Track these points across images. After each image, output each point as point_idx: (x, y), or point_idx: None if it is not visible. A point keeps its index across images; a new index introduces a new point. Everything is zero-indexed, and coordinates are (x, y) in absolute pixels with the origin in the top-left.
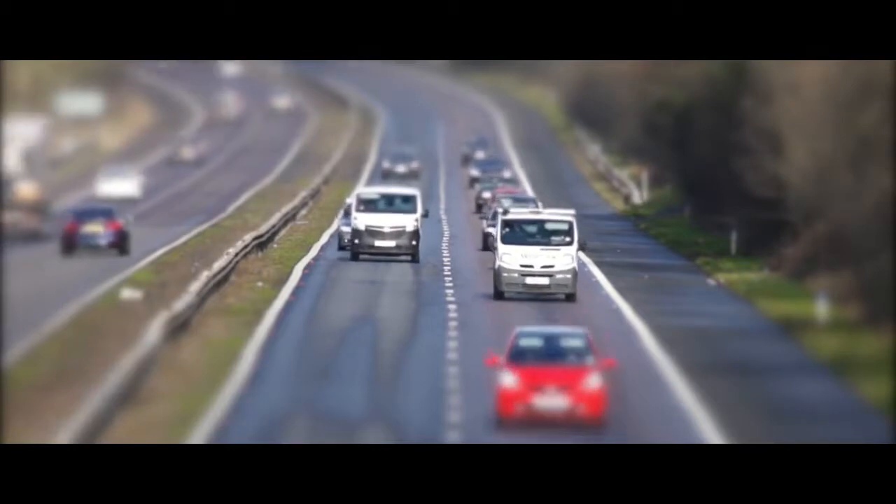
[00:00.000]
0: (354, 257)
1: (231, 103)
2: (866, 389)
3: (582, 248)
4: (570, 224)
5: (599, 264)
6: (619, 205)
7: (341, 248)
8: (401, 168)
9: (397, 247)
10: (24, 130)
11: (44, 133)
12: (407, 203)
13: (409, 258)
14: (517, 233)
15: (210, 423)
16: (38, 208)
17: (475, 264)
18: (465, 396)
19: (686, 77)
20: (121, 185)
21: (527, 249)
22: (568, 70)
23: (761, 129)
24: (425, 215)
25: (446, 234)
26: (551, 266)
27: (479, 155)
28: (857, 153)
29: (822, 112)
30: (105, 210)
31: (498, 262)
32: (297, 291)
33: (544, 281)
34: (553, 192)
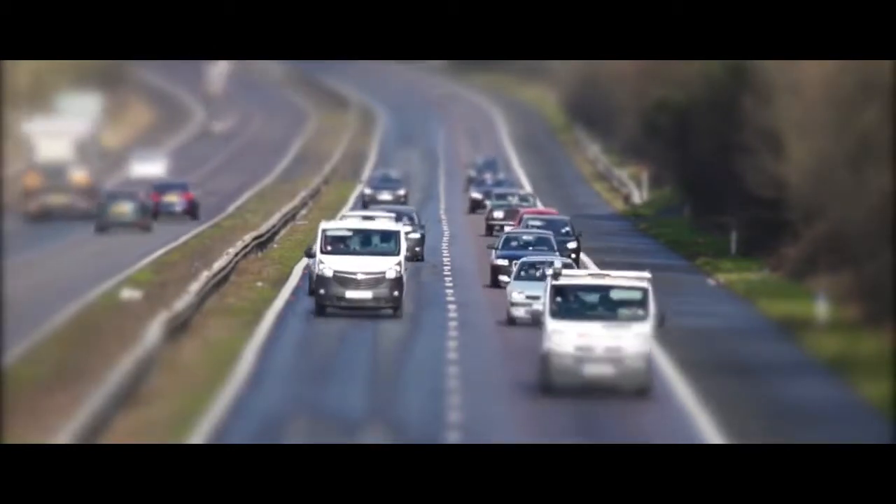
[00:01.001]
0: (320, 311)
1: (216, 80)
2: (866, 389)
3: (661, 323)
4: (645, 292)
5: (599, 264)
6: (618, 205)
7: (312, 292)
8: (385, 195)
9: (375, 299)
10: (77, 124)
11: (94, 127)
12: (387, 242)
13: (390, 312)
14: (572, 304)
15: (210, 423)
16: (89, 192)
17: (475, 265)
18: (465, 396)
19: (686, 77)
20: (150, 167)
21: (586, 326)
22: (568, 70)
23: (761, 129)
24: (421, 236)
25: (446, 234)
26: (618, 349)
27: (488, 178)
28: (857, 153)
29: (822, 112)
30: (181, 184)
31: (546, 344)
32: (296, 291)
33: (608, 370)
34: (553, 192)
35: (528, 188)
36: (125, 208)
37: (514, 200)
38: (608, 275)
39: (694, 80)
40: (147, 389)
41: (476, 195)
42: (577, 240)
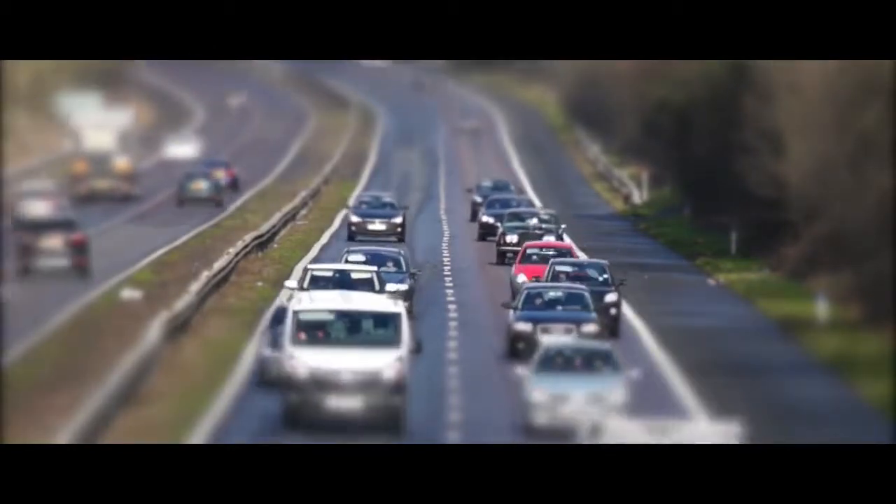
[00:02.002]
0: (291, 422)
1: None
2: (866, 389)
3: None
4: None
5: None
6: (618, 205)
7: (263, 383)
8: (377, 225)
9: (367, 409)
10: (119, 117)
11: (135, 119)
12: (384, 326)
13: (386, 431)
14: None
15: (210, 423)
16: (130, 177)
17: (475, 265)
18: (465, 396)
19: (686, 77)
20: (183, 149)
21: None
22: (568, 70)
23: (761, 129)
24: (409, 288)
25: (446, 234)
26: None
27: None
28: (857, 153)
29: (822, 112)
30: (223, 162)
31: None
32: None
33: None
34: (553, 192)
35: (550, 209)
36: (201, 185)
37: (533, 222)
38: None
39: (694, 80)
40: (147, 389)
41: (487, 219)
42: (618, 290)
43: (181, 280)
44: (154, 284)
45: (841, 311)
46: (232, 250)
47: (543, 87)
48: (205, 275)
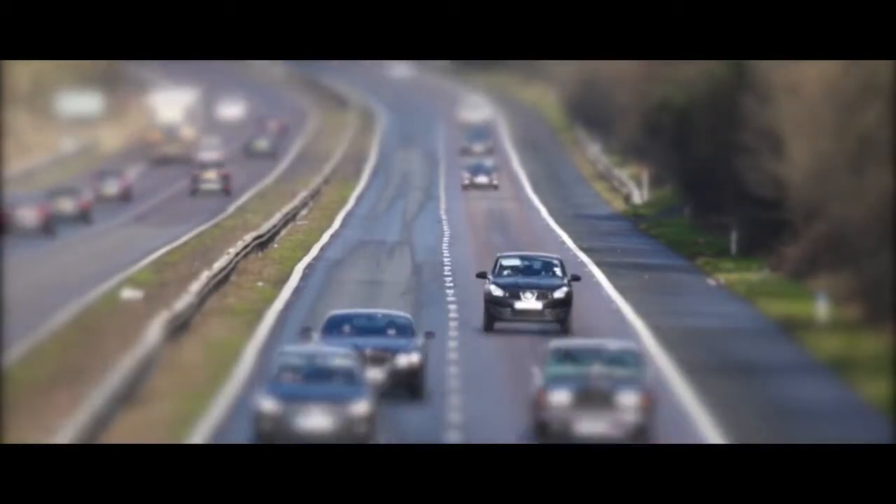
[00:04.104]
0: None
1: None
2: (866, 389)
3: None
4: None
5: (600, 264)
6: (619, 205)
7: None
8: (361, 321)
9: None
10: (184, 94)
11: (199, 98)
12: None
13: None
14: None
15: (210, 422)
16: (195, 144)
17: (475, 265)
18: (465, 396)
19: (686, 77)
20: (232, 110)
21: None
22: (568, 70)
23: (761, 129)
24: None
25: (446, 234)
26: None
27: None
28: (857, 153)
29: (822, 112)
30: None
31: None
32: (297, 291)
33: None
34: (553, 192)
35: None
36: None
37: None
38: None
39: (695, 80)
40: (147, 389)
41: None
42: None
43: (181, 280)
44: (154, 284)
45: (841, 311)
46: (232, 250)
47: (543, 87)
48: (205, 275)
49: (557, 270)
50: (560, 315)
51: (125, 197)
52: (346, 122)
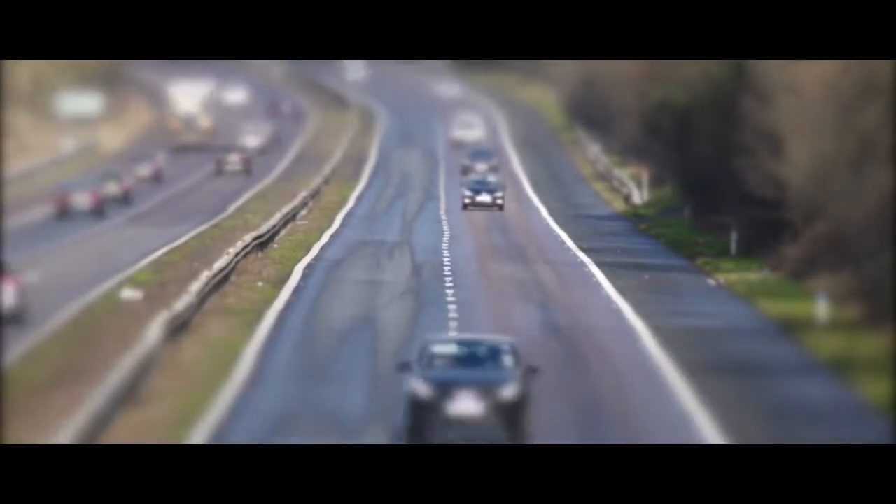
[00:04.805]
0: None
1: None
2: (866, 389)
3: None
4: None
5: (600, 264)
6: (619, 205)
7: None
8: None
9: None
10: (202, 88)
11: (214, 90)
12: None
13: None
14: None
15: (210, 422)
16: (212, 133)
17: (475, 265)
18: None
19: (686, 77)
20: (234, 96)
21: None
22: (568, 70)
23: (761, 129)
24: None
25: (446, 234)
26: None
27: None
28: (857, 153)
29: (822, 112)
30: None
31: None
32: (297, 291)
33: None
34: (553, 192)
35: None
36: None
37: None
38: None
39: (694, 80)
40: (147, 389)
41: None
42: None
43: (181, 280)
44: (154, 284)
45: (841, 311)
46: (232, 250)
47: (543, 87)
48: (205, 275)
49: (507, 359)
50: (510, 421)
51: (156, 178)
52: (346, 122)
